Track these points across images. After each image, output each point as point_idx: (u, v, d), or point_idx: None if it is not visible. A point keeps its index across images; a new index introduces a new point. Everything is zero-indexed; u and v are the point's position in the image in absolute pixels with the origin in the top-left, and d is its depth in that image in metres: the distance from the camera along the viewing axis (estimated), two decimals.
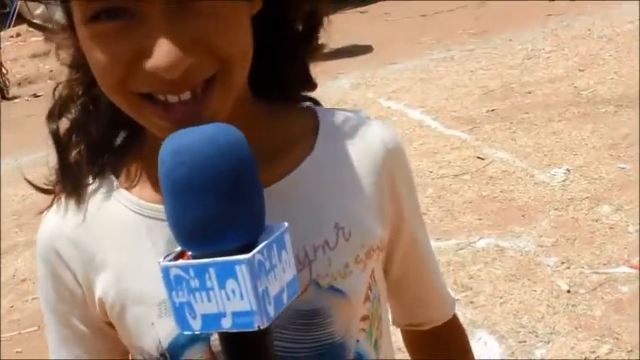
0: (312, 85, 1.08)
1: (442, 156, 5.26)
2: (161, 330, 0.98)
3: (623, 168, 4.64)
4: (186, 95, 0.83)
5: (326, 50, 1.06)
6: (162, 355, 0.99)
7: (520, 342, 3.28)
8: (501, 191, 4.62)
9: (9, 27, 12.72)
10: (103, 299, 1.01)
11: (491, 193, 4.60)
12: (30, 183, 1.09)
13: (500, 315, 3.46)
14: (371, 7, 10.28)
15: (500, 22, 8.63)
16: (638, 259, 3.71)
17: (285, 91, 1.06)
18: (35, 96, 9.75)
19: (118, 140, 1.03)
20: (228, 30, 0.84)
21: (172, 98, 0.83)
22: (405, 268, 1.15)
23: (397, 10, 10.19)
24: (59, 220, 1.03)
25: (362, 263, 1.02)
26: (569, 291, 3.55)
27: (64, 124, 1.04)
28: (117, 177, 1.03)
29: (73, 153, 1.02)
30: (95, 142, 1.02)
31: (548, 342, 3.24)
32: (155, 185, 0.95)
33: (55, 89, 1.04)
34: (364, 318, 1.05)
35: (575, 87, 6.16)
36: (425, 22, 9.40)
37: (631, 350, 3.12)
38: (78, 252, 1.02)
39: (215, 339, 0.94)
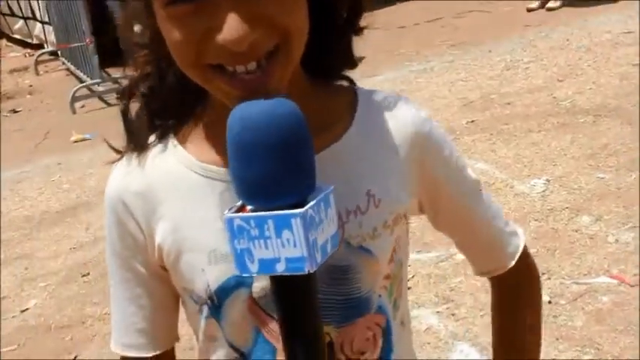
0: (354, 64, 1.20)
1: None
2: (210, 275, 1.10)
3: (602, 178, 4.66)
4: (252, 65, 0.95)
5: None
6: (210, 297, 1.12)
7: None
8: None
9: None
10: (161, 246, 1.14)
11: None
12: (107, 143, 1.22)
13: (482, 327, 3.45)
14: None
15: (479, 34, 8.67)
16: (618, 269, 3.72)
17: (330, 70, 1.19)
18: (14, 111, 9.70)
19: (182, 106, 1.14)
20: (289, 6, 0.96)
21: (240, 68, 0.95)
22: (455, 226, 1.30)
23: (376, 22, 10.20)
24: (126, 175, 1.16)
25: (389, 228, 1.14)
26: (550, 302, 3.55)
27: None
28: (179, 138, 1.15)
29: (140, 119, 1.16)
30: (160, 110, 1.15)
31: None
32: (213, 148, 1.11)
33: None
34: (387, 277, 1.17)
35: (554, 97, 6.20)
36: (404, 33, 9.44)
37: None
38: (142, 203, 1.14)
39: (256, 286, 1.09)
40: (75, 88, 9.04)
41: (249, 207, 0.91)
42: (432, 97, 6.81)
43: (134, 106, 1.17)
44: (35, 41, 12.97)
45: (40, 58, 11.96)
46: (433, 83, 7.25)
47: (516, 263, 1.33)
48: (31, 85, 10.95)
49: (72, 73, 10.64)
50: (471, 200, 1.28)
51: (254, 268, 0.89)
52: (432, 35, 9.14)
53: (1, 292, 4.75)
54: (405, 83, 7.38)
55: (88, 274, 4.72)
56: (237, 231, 0.88)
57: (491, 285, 1.41)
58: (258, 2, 0.93)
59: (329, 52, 1.15)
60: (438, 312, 3.48)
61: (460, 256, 4.00)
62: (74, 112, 8.79)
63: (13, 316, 4.44)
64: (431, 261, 4.02)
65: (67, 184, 6.42)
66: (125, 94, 1.16)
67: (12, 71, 12.01)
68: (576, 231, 4.13)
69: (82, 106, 8.96)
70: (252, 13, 0.92)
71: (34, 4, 12.46)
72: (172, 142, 1.15)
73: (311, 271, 0.87)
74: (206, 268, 1.10)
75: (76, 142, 7.62)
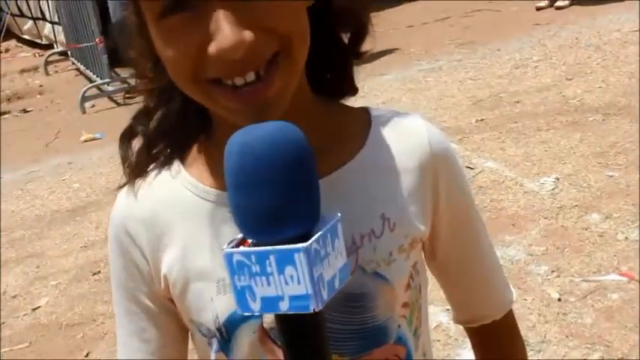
0: (354, 89, 1.16)
1: None
2: (219, 306, 1.05)
3: (611, 176, 4.66)
4: (250, 76, 0.90)
5: None
6: (219, 329, 1.07)
7: None
8: (491, 200, 4.64)
9: None
10: (167, 275, 1.09)
11: (480, 202, 4.61)
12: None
13: None
14: None
15: (488, 32, 8.67)
16: (627, 266, 3.73)
17: (333, 91, 1.14)
18: (25, 111, 9.74)
19: (185, 131, 1.11)
20: (287, 10, 0.91)
21: (239, 80, 0.90)
22: (446, 265, 1.21)
23: (385, 21, 10.22)
24: (130, 202, 1.12)
25: (405, 253, 1.09)
26: (559, 299, 3.56)
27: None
28: (183, 163, 1.11)
29: (143, 142, 1.12)
30: (163, 133, 1.10)
31: (540, 351, 3.25)
32: (218, 172, 0.99)
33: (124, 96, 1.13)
34: (405, 305, 1.10)
35: (564, 96, 6.19)
36: (412, 32, 9.44)
37: (622, 358, 3.13)
38: (146, 231, 1.10)
39: (267, 317, 1.03)
40: (85, 88, 9.08)
41: (250, 240, 0.85)
42: (441, 96, 6.81)
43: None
44: (45, 41, 13.02)
45: (50, 59, 12.00)
46: (442, 82, 7.25)
47: (507, 315, 1.28)
48: (41, 85, 10.99)
49: (81, 73, 10.69)
50: (477, 237, 1.23)
51: (256, 306, 0.83)
52: (440, 34, 9.13)
53: (13, 291, 4.78)
54: (414, 82, 7.38)
55: (99, 272, 4.74)
56: (237, 267, 0.82)
57: (476, 337, 1.33)
58: (254, 6, 0.88)
59: (331, 75, 1.12)
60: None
61: None
62: (84, 112, 8.83)
63: (24, 315, 4.46)
64: None
65: (78, 184, 6.45)
66: (126, 136, 1.12)
67: (22, 71, 12.06)
68: (586, 229, 4.13)
69: (92, 106, 8.99)
70: (248, 18, 0.87)
71: (44, 4, 12.51)
72: (177, 167, 1.11)
73: (317, 310, 0.81)
74: (215, 298, 1.05)
75: (86, 141, 7.65)
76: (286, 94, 0.94)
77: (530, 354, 3.21)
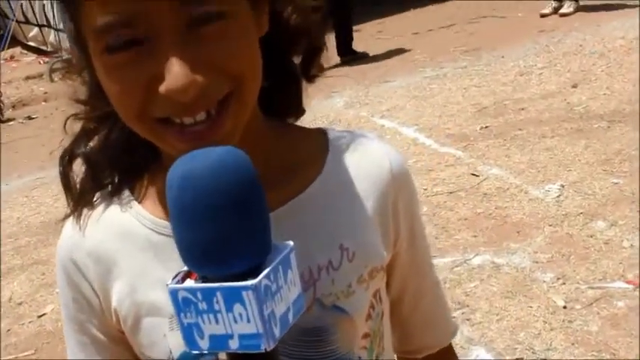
0: (301, 111, 1.12)
1: (436, 173, 5.28)
2: (172, 342, 1.01)
3: (616, 183, 4.66)
4: (201, 116, 0.87)
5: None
6: None
7: (517, 359, 3.28)
8: (496, 208, 4.64)
9: (3, 49, 12.74)
10: (117, 309, 1.05)
11: (485, 209, 4.61)
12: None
13: (497, 332, 3.46)
14: (364, 26, 10.32)
15: (493, 39, 8.68)
16: (633, 274, 3.72)
17: (281, 113, 1.10)
18: (30, 118, 9.77)
19: (133, 160, 1.06)
20: (238, 50, 0.87)
21: (188, 120, 0.87)
22: (402, 290, 1.17)
23: (390, 28, 10.24)
24: (76, 234, 1.07)
25: (365, 283, 1.05)
26: (565, 307, 3.56)
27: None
28: (132, 194, 1.07)
29: (86, 178, 1.07)
30: (109, 158, 1.06)
31: (545, 358, 3.24)
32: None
33: (65, 124, 1.08)
34: (365, 335, 1.07)
35: (568, 103, 6.19)
36: (417, 39, 9.45)
37: None
38: (94, 264, 1.05)
39: (222, 354, 0.96)
40: None
41: (196, 273, 0.80)
42: (445, 102, 6.81)
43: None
44: (50, 48, 13.04)
45: (55, 66, 12.01)
46: (446, 89, 7.25)
47: (450, 344, 1.28)
48: (45, 92, 11.00)
49: None
50: (431, 263, 1.22)
51: (205, 344, 0.78)
52: (445, 41, 9.14)
53: (18, 298, 4.79)
54: (419, 89, 7.38)
55: None
56: (183, 304, 0.77)
57: None
58: (205, 46, 0.85)
59: (280, 95, 1.07)
60: (453, 317, 3.49)
61: (475, 261, 4.03)
62: None
63: (30, 322, 4.46)
64: (446, 266, 4.03)
65: None
66: (65, 158, 1.07)
67: (27, 78, 12.08)
68: (591, 236, 4.13)
69: None
70: (199, 59, 0.84)
71: (49, 11, 12.54)
72: (126, 197, 1.06)
73: (268, 349, 0.76)
74: (168, 334, 1.02)
75: None
76: (235, 134, 0.91)
77: None
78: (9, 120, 9.83)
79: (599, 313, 3.48)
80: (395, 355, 1.21)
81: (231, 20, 0.86)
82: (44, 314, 4.51)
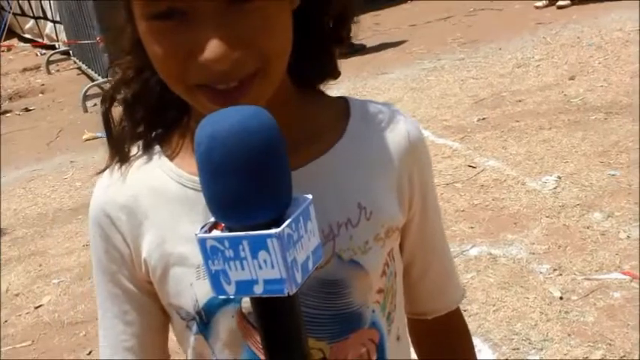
0: (337, 74, 1.17)
1: (434, 165, 5.25)
2: (198, 290, 1.07)
3: (613, 175, 4.67)
4: (233, 83, 0.93)
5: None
6: (198, 313, 1.09)
7: (514, 349, 3.29)
8: (493, 199, 4.64)
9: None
10: (147, 260, 1.10)
11: (483, 201, 4.62)
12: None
13: (494, 323, 3.47)
14: (361, 18, 10.29)
15: (490, 32, 8.68)
16: (629, 265, 3.73)
17: (313, 79, 1.16)
18: (27, 110, 9.76)
19: (165, 116, 1.12)
20: (272, 28, 0.94)
21: (221, 86, 0.93)
22: (412, 255, 1.23)
23: (387, 20, 10.23)
24: (110, 187, 1.13)
25: (381, 241, 1.11)
26: (561, 298, 3.57)
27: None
28: (163, 150, 1.12)
29: (123, 127, 1.12)
30: (143, 118, 1.12)
31: (542, 349, 3.25)
32: None
33: (107, 71, 1.13)
34: (379, 291, 1.13)
35: (565, 95, 6.20)
36: (415, 31, 9.44)
37: (624, 356, 3.13)
38: (127, 217, 1.11)
39: (246, 301, 1.04)
40: (86, 87, 9.08)
41: (223, 224, 0.85)
42: (443, 94, 6.81)
43: (116, 113, 1.14)
44: (46, 40, 13.03)
45: (52, 58, 12.02)
46: (444, 81, 7.25)
47: (458, 307, 1.32)
48: (43, 84, 11.01)
49: (83, 72, 10.70)
50: (441, 227, 1.27)
51: (231, 290, 0.84)
52: (443, 33, 9.14)
53: (15, 289, 4.79)
54: (417, 81, 7.38)
55: None
56: (211, 252, 0.83)
57: (425, 330, 1.33)
58: (241, 26, 0.91)
59: (312, 62, 1.12)
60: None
61: (472, 253, 4.04)
62: (86, 111, 8.83)
63: (27, 313, 4.47)
64: None
65: (80, 182, 6.46)
66: (106, 99, 1.12)
67: (24, 70, 12.08)
68: (588, 227, 4.14)
69: (94, 105, 8.99)
70: (236, 36, 0.90)
71: (45, 3, 12.52)
72: (157, 153, 1.12)
73: (291, 293, 0.81)
74: (194, 283, 1.07)
75: (87, 140, 7.65)
76: (262, 101, 0.95)
77: (532, 352, 3.23)
78: (6, 112, 9.82)
79: (596, 304, 3.49)
80: (405, 315, 1.27)
81: None
82: (41, 305, 4.52)
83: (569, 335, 3.31)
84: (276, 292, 0.82)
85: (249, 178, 0.81)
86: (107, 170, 1.14)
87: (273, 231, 0.79)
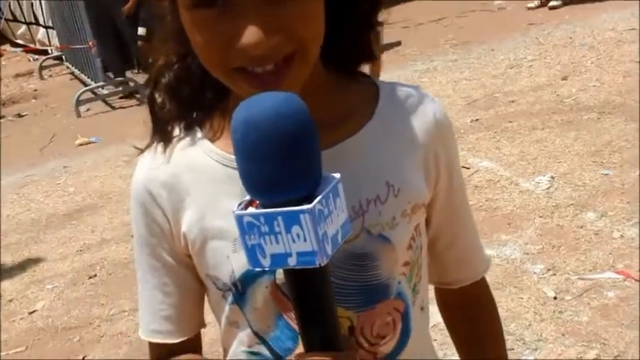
0: (373, 56, 1.22)
1: None
2: (235, 263, 1.14)
3: (606, 174, 4.67)
4: (269, 67, 1.00)
5: None
6: (234, 284, 1.16)
7: (508, 349, 3.26)
8: (487, 200, 4.64)
9: None
10: (187, 234, 1.17)
11: (476, 202, 4.62)
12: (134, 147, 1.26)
13: None
14: None
15: (483, 33, 8.68)
16: (623, 264, 3.73)
17: (348, 62, 1.21)
18: (19, 115, 9.73)
19: (205, 99, 1.19)
20: (308, 16, 1.01)
21: (258, 69, 1.01)
22: (439, 229, 1.30)
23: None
24: (152, 166, 1.20)
25: (408, 217, 1.18)
26: (555, 298, 3.57)
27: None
28: (203, 130, 1.19)
29: (165, 109, 1.19)
30: (184, 101, 1.18)
31: (536, 349, 3.25)
32: None
33: (151, 59, 1.20)
34: (406, 263, 1.20)
35: (558, 95, 6.21)
36: (407, 33, 9.44)
37: (618, 355, 3.13)
38: (168, 193, 1.18)
39: (279, 273, 1.10)
40: (79, 92, 9.07)
41: (258, 201, 0.93)
42: (435, 96, 6.63)
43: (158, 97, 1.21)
44: (39, 46, 13.01)
45: (44, 63, 11.99)
46: (437, 82, 7.26)
47: (484, 277, 1.40)
48: (35, 90, 10.98)
49: (76, 77, 10.68)
50: (466, 201, 1.33)
51: (266, 262, 0.91)
52: (435, 35, 9.15)
53: (9, 295, 4.78)
54: (409, 82, 7.36)
55: (95, 275, 4.75)
56: (248, 227, 0.90)
57: (448, 296, 1.41)
58: (278, 14, 0.97)
59: (347, 45, 1.17)
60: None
61: None
62: (79, 116, 8.82)
63: (21, 318, 4.46)
64: None
65: (73, 187, 6.44)
66: (150, 82, 1.20)
67: (16, 76, 12.05)
68: (581, 227, 4.14)
69: (87, 110, 8.99)
70: (272, 24, 0.97)
71: (37, 9, 12.50)
72: (198, 134, 1.19)
73: (322, 264, 0.89)
74: (231, 256, 1.14)
75: (81, 145, 7.65)
76: (297, 84, 1.03)
77: (526, 353, 3.23)
78: None
79: (590, 303, 3.49)
80: (429, 287, 1.32)
81: None
82: (35, 311, 4.51)
83: (563, 335, 3.31)
84: (309, 263, 0.90)
85: (282, 162, 0.89)
86: (148, 150, 1.21)
87: (305, 207, 0.87)
